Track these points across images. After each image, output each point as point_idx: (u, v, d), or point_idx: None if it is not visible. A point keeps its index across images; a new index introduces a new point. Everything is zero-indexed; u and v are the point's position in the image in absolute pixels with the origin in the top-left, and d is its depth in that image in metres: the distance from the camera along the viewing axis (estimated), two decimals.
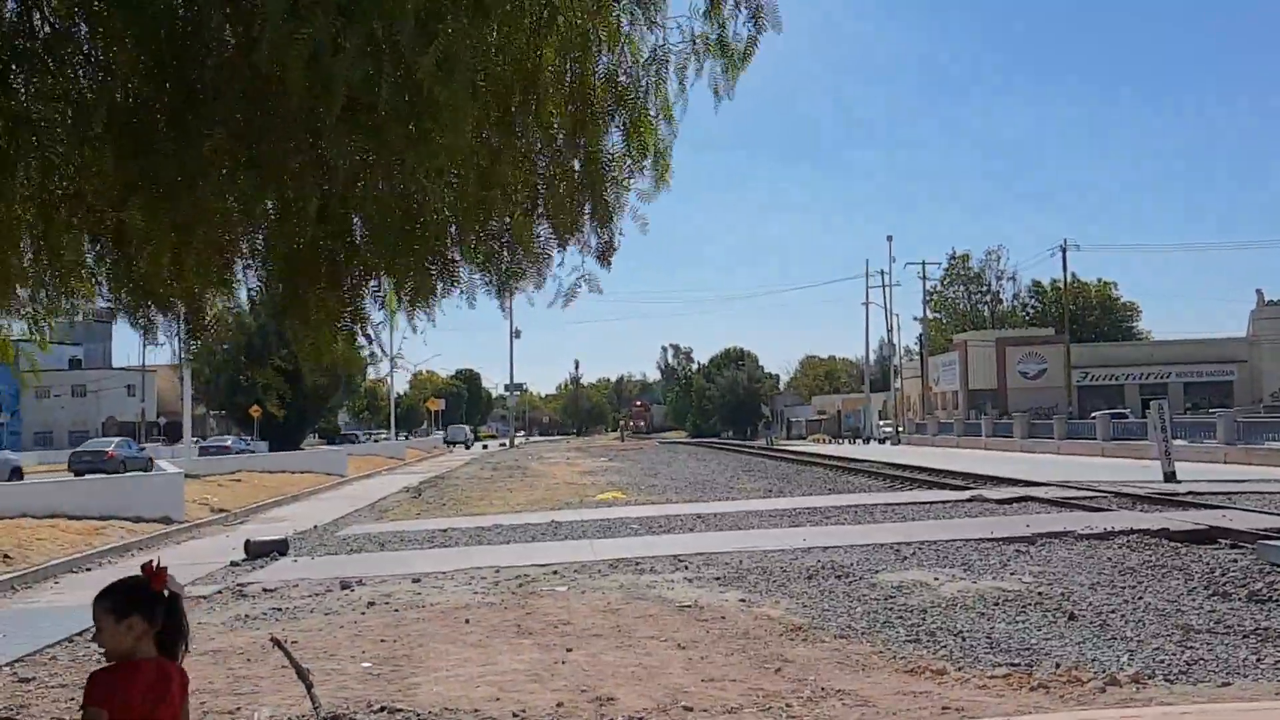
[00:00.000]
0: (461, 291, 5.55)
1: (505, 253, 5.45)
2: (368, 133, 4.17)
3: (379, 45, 4.01)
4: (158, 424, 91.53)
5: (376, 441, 78.83)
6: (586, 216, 5.35)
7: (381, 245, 4.74)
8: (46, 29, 4.26)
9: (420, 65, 3.96)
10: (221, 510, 25.66)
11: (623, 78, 5.05)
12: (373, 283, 5.36)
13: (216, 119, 4.03)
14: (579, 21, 4.57)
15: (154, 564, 3.42)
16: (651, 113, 5.17)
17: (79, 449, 48.96)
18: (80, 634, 10.67)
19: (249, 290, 5.75)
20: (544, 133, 4.99)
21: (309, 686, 7.16)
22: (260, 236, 5.24)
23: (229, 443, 62.01)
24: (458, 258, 5.22)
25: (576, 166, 5.21)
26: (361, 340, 5.94)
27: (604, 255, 5.54)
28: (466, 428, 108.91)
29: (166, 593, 3.37)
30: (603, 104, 5.02)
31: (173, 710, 3.33)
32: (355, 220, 4.86)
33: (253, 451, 55.86)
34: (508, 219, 5.25)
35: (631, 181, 5.34)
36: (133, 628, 3.29)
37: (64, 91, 4.31)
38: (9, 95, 4.08)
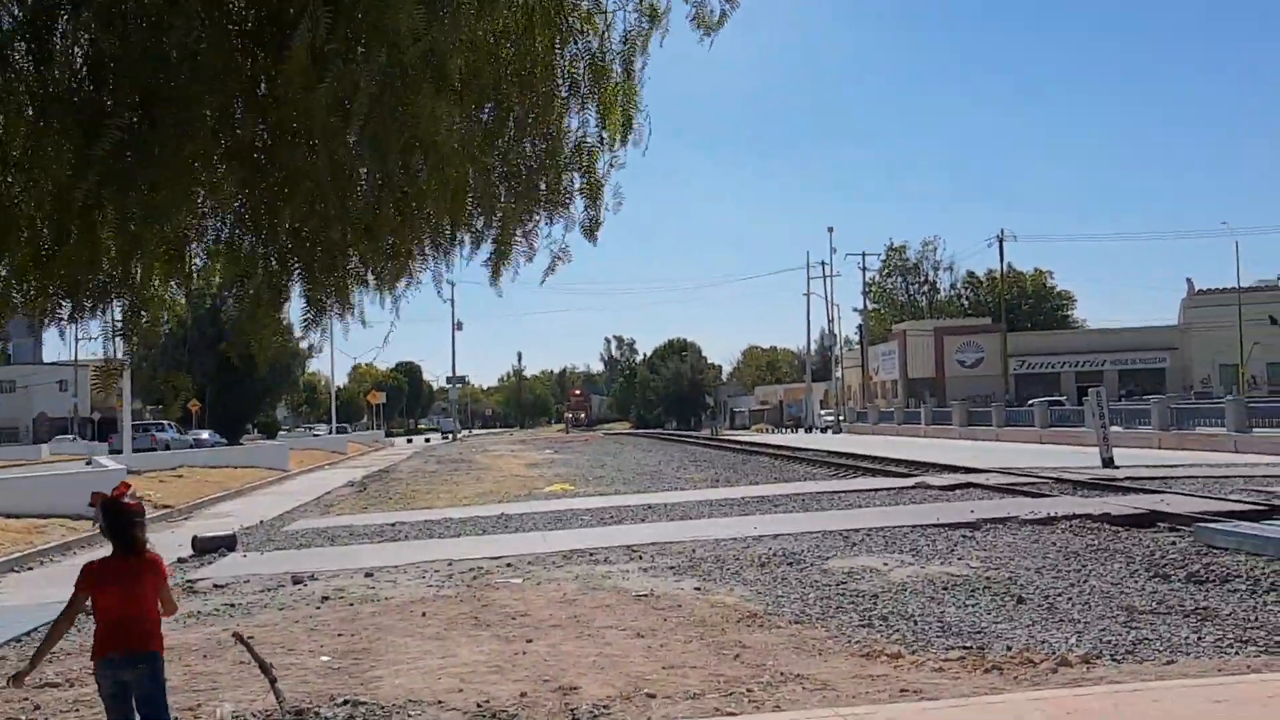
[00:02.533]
0: (434, 279, 5.61)
1: (494, 233, 5.52)
2: (370, 141, 4.23)
3: (387, 72, 4.10)
4: (91, 420, 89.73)
5: (316, 435, 77.92)
6: (577, 192, 5.45)
7: (372, 235, 4.78)
8: (11, 20, 4.22)
9: (422, 85, 4.06)
10: (165, 506, 25.24)
11: (603, 59, 5.15)
12: (352, 266, 5.37)
13: (203, 123, 4.05)
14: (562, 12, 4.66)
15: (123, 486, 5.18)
16: (636, 86, 5.29)
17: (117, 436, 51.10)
18: (28, 634, 10.51)
19: (195, 284, 5.72)
20: (535, 115, 5.07)
21: (272, 681, 7.14)
22: (220, 228, 5.23)
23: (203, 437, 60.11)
24: (436, 244, 5.27)
25: (564, 146, 5.30)
26: (338, 325, 5.97)
27: (591, 230, 5.67)
28: (454, 420, 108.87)
29: (102, 509, 4.97)
30: (586, 83, 5.12)
31: (122, 593, 4.93)
32: (336, 209, 4.87)
33: (225, 442, 55.63)
34: (496, 205, 5.31)
35: (615, 158, 5.45)
36: (101, 533, 5.04)
37: (26, 86, 4.27)
38: None
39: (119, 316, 5.36)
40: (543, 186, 5.15)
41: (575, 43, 4.82)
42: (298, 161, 4.25)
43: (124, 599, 4.94)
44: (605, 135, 5.16)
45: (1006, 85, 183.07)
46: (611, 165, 5.29)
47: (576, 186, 5.26)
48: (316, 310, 5.21)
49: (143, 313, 5.62)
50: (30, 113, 4.24)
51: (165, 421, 62.09)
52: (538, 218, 5.33)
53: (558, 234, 5.58)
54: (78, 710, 7.64)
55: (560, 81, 4.82)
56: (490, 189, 4.94)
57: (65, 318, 5.50)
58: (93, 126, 4.01)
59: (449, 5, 3.98)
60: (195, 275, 5.40)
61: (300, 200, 4.34)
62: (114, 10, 3.94)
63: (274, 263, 4.97)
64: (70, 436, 74.51)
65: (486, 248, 5.33)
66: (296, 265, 4.93)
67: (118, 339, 5.48)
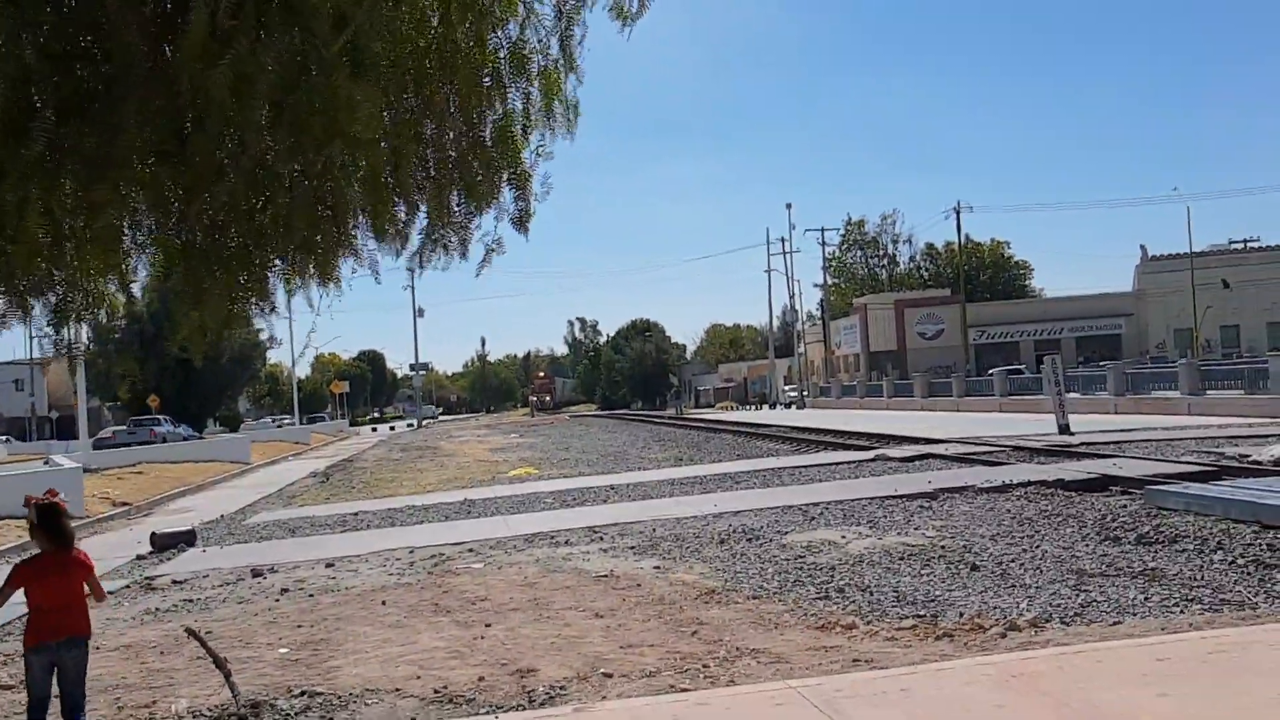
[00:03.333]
0: (370, 270, 5.58)
1: (423, 225, 5.49)
2: (288, 132, 4.19)
3: (298, 51, 4.04)
4: (49, 419, 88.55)
5: (280, 426, 77.30)
6: (504, 184, 5.42)
7: (290, 229, 4.74)
8: None
9: (336, 68, 4.02)
10: (124, 504, 25.04)
11: (526, 47, 5.12)
12: (277, 263, 5.34)
13: (128, 114, 3.99)
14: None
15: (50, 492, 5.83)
16: (560, 72, 5.26)
17: (119, 427, 54.79)
18: None
19: (138, 278, 5.68)
20: (454, 105, 5.03)
21: (227, 675, 7.16)
22: (146, 227, 5.18)
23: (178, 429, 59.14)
24: (366, 236, 5.24)
25: (488, 136, 5.26)
26: (261, 321, 5.96)
27: (521, 221, 5.62)
28: (433, 406, 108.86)
29: (35, 511, 5.63)
30: (508, 73, 5.08)
31: (53, 585, 5.58)
32: (260, 204, 4.84)
33: (201, 436, 55.61)
34: (417, 197, 5.28)
35: (542, 146, 5.42)
36: (33, 535, 5.76)
37: None
38: None
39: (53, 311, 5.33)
40: (469, 177, 5.12)
41: (496, 30, 4.78)
42: (213, 153, 4.20)
43: (56, 591, 5.61)
44: (529, 124, 5.14)
45: (960, 58, 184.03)
46: (539, 155, 5.28)
47: (504, 178, 5.23)
48: (234, 305, 5.19)
49: (81, 308, 5.58)
50: None
51: (161, 416, 61.92)
52: (462, 209, 5.31)
53: (489, 225, 5.58)
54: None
55: (483, 70, 4.78)
56: (410, 179, 4.91)
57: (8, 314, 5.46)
58: (19, 128, 3.96)
59: None
60: (129, 270, 5.34)
61: (219, 193, 4.31)
62: (36, 8, 3.88)
63: (193, 259, 4.93)
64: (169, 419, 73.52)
65: (416, 239, 5.32)
66: (211, 262, 4.89)
67: (51, 331, 5.44)
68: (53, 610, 5.58)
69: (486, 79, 4.80)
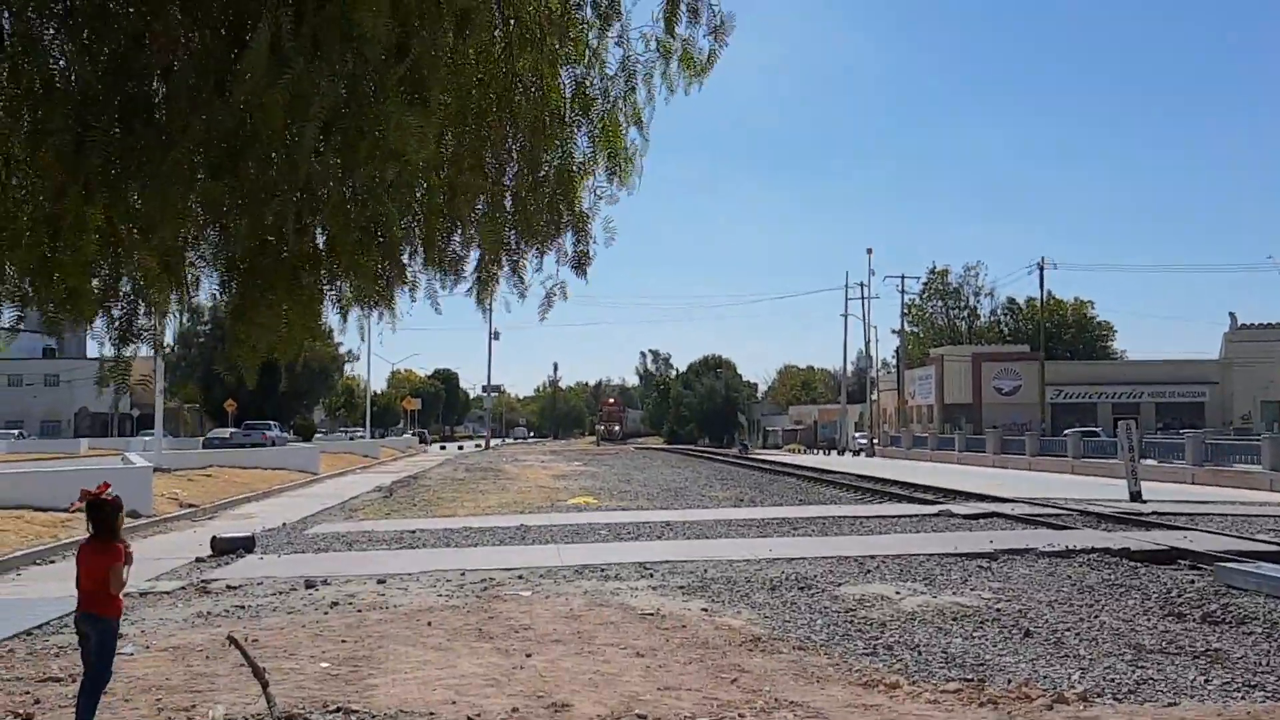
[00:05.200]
0: (428, 299, 5.61)
1: (476, 259, 5.49)
2: (340, 151, 4.24)
3: (353, 75, 4.10)
4: (130, 415, 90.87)
5: (351, 439, 78.38)
6: (564, 225, 5.40)
7: (341, 253, 4.78)
8: (6, 30, 4.29)
9: (390, 94, 4.05)
10: (190, 505, 25.52)
11: (590, 89, 5.12)
12: (330, 288, 5.38)
13: (187, 129, 4.07)
14: (545, 37, 4.63)
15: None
16: (621, 121, 5.25)
17: (235, 429, 60.16)
18: (39, 627, 10.66)
19: (194, 294, 5.79)
20: (515, 141, 5.04)
21: (264, 685, 7.21)
22: (210, 242, 5.26)
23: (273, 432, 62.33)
24: (418, 264, 5.26)
25: (549, 175, 5.25)
26: (323, 344, 6.00)
27: (579, 264, 5.60)
28: (524, 429, 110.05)
29: (85, 503, 6.47)
30: (570, 114, 5.08)
31: (86, 567, 6.44)
32: (316, 227, 4.89)
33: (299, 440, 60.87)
34: (473, 230, 5.29)
35: (602, 190, 5.40)
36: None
37: (28, 89, 4.34)
38: None
39: (118, 323, 5.43)
40: (527, 215, 5.12)
41: (560, 71, 4.80)
42: (264, 171, 4.26)
43: (88, 572, 6.45)
44: (589, 168, 5.13)
45: (1054, 108, 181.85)
46: (599, 196, 5.26)
47: (564, 219, 5.22)
48: (288, 326, 5.24)
49: (144, 318, 5.69)
50: (27, 121, 4.29)
51: (272, 421, 64.89)
52: (523, 247, 5.31)
53: (550, 268, 5.58)
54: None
55: (545, 109, 4.79)
56: (468, 210, 4.92)
57: (68, 325, 5.58)
58: (80, 138, 4.07)
59: (427, 17, 3.98)
60: (188, 284, 5.42)
61: (267, 212, 4.37)
62: (98, 18, 3.97)
63: (244, 277, 4.99)
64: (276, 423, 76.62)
65: (471, 275, 5.32)
66: (261, 281, 4.95)
67: (117, 344, 5.54)
68: (83, 589, 6.47)
69: (548, 118, 4.81)
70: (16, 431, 72.71)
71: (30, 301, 5.19)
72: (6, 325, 5.22)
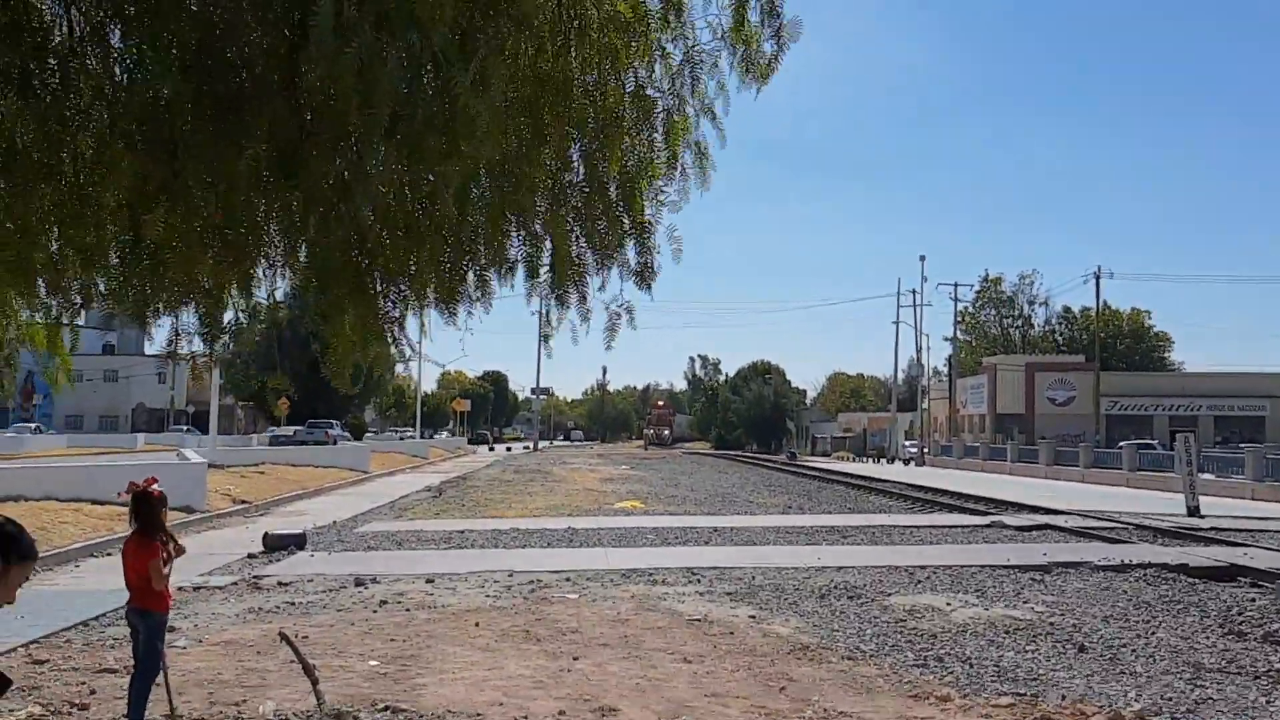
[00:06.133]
0: (479, 298, 5.59)
1: (542, 262, 5.43)
2: (405, 146, 4.22)
3: (418, 58, 4.07)
4: (186, 412, 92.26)
5: (402, 439, 79.01)
6: (626, 233, 5.29)
7: (406, 254, 4.78)
8: (79, 29, 4.34)
9: (456, 78, 4.01)
10: (243, 502, 25.82)
11: (651, 90, 5.05)
12: (395, 289, 5.37)
13: (256, 128, 4.08)
14: (607, 36, 4.59)
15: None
16: (691, 114, 5.16)
17: (299, 427, 62.84)
18: (96, 619, 10.81)
19: (269, 293, 5.81)
20: (579, 141, 4.98)
21: (314, 683, 7.26)
22: (280, 244, 5.28)
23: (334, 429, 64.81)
24: (485, 268, 5.24)
25: (609, 178, 5.15)
26: (393, 346, 6.00)
27: (643, 276, 5.44)
28: (580, 432, 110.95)
29: (130, 496, 6.54)
30: (631, 115, 5.01)
31: (130, 561, 6.56)
32: (381, 229, 4.87)
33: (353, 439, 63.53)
34: (538, 226, 5.24)
35: (665, 195, 5.28)
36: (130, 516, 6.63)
37: (98, 89, 4.39)
38: (33, 95, 4.16)
39: (194, 321, 5.50)
40: (590, 221, 5.03)
41: (622, 71, 4.72)
42: (330, 165, 4.25)
43: (130, 566, 6.60)
44: (654, 172, 5.01)
45: (1111, 116, 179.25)
46: (660, 203, 5.14)
47: (625, 228, 5.10)
48: (363, 327, 5.25)
49: (215, 317, 5.76)
50: (103, 120, 4.34)
51: (334, 420, 66.62)
52: (586, 255, 5.19)
53: (614, 290, 5.40)
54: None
55: (605, 109, 4.70)
56: (533, 205, 4.85)
57: (141, 321, 5.66)
58: (149, 138, 4.11)
59: (488, 9, 3.95)
60: (254, 284, 5.47)
61: (337, 213, 4.37)
62: (168, 16, 4.00)
63: (318, 279, 5.01)
64: (185, 427, 79.10)
65: (523, 275, 5.25)
66: (333, 282, 4.96)
67: (196, 340, 5.62)
68: (130, 583, 6.62)
69: (609, 119, 4.72)
70: (34, 426, 74.15)
71: (105, 299, 5.27)
72: (87, 325, 5.31)
